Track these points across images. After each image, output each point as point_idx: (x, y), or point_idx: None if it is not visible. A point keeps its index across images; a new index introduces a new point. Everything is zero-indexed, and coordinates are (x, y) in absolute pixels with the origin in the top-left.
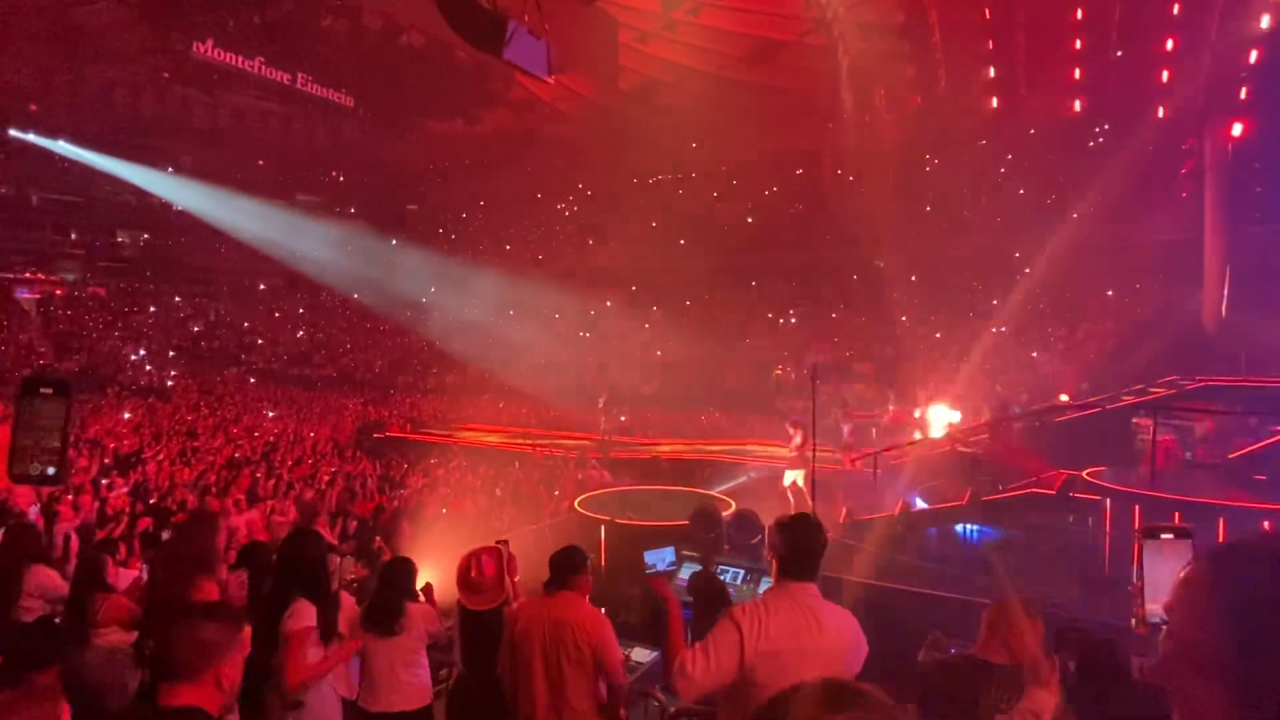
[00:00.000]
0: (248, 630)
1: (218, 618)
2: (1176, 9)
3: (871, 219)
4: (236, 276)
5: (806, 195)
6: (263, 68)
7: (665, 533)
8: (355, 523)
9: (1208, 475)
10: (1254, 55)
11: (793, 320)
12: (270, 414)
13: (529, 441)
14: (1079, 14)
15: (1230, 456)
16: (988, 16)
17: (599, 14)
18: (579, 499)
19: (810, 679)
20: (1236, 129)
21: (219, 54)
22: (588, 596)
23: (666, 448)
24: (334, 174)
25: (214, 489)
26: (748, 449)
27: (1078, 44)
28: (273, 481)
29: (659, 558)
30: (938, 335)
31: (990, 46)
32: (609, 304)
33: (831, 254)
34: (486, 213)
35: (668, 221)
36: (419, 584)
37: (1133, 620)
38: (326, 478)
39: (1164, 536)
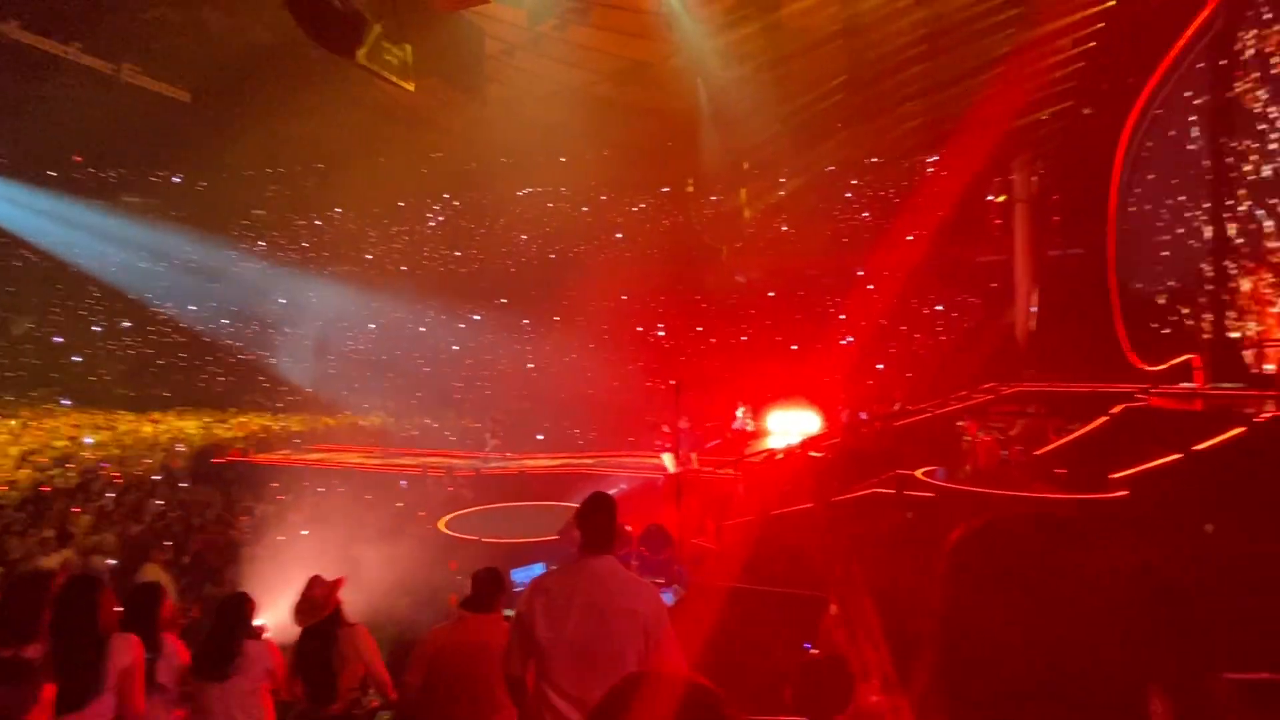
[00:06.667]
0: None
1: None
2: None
3: (732, 237)
4: (47, 287)
5: (673, 211)
6: (80, 55)
7: (534, 548)
8: (189, 558)
9: (1019, 471)
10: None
11: (661, 333)
12: (89, 440)
13: (389, 462)
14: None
15: (1037, 454)
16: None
17: (463, 22)
18: (444, 519)
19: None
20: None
21: (27, 37)
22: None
23: (535, 462)
24: (165, 174)
25: (14, 527)
26: (618, 460)
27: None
28: (90, 518)
29: (527, 575)
30: (794, 347)
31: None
32: (477, 317)
33: (695, 270)
34: (343, 220)
35: (537, 235)
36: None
37: None
38: (157, 510)
39: None
